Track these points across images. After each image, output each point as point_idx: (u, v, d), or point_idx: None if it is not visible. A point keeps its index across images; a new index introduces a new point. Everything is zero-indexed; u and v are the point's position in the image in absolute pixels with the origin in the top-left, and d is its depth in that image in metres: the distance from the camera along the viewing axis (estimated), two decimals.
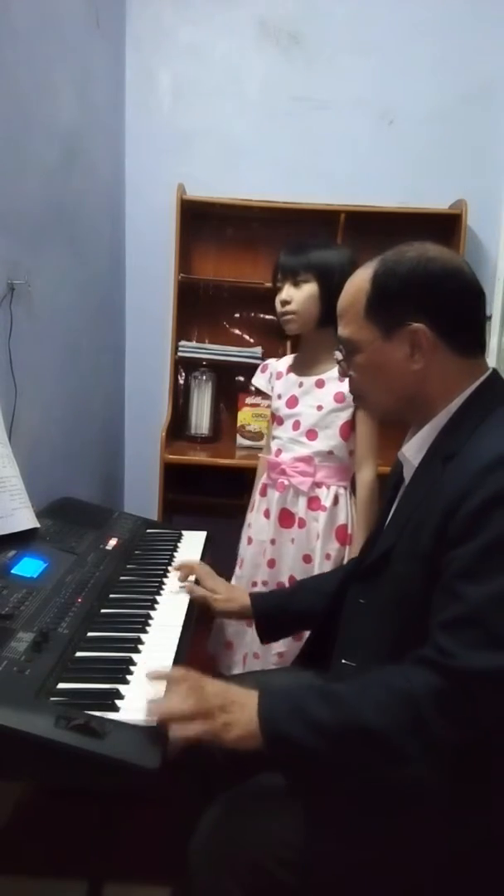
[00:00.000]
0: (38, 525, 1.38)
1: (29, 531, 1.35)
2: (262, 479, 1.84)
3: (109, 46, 2.37)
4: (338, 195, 2.47)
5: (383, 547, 1.06)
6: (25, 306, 1.64)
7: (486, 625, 0.83)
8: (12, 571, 1.20)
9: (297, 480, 1.72)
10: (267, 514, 1.79)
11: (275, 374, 1.86)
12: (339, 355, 1.09)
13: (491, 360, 2.44)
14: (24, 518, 1.35)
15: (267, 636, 1.39)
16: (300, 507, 1.73)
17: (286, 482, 1.74)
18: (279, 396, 1.81)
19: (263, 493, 1.81)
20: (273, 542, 1.75)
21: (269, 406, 2.60)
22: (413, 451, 1.05)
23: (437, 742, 0.84)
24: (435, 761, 0.85)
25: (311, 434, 1.73)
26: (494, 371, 1.03)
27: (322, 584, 1.34)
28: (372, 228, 2.29)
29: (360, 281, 1.02)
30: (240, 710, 0.90)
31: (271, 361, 1.92)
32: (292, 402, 1.77)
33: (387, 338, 1.00)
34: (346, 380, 1.11)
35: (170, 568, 1.42)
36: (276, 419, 1.81)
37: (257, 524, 1.81)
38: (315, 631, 1.32)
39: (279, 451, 1.78)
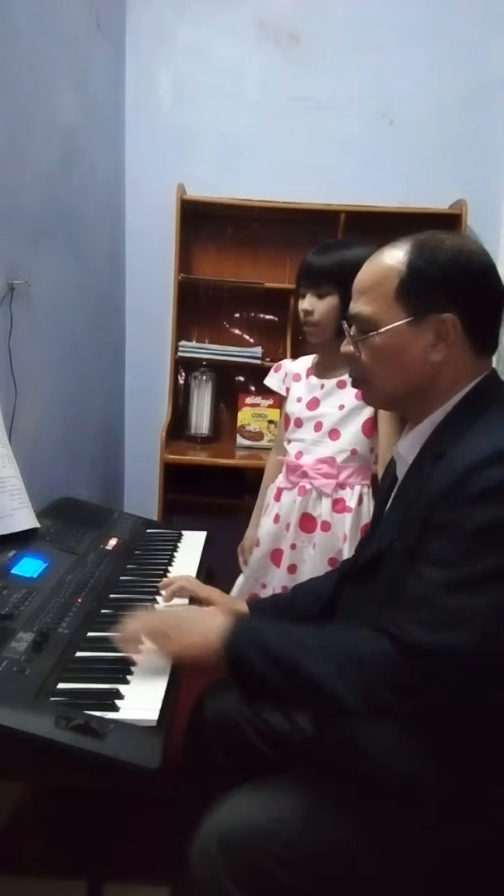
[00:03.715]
0: (38, 525, 1.38)
1: (29, 531, 1.35)
2: (276, 483, 1.80)
3: (109, 46, 2.37)
4: (338, 195, 2.47)
5: (376, 547, 1.06)
6: (25, 306, 1.64)
7: (440, 606, 0.87)
8: (12, 571, 1.20)
9: (321, 483, 1.70)
10: (277, 518, 1.77)
11: (291, 376, 1.84)
12: (351, 334, 1.04)
13: (493, 361, 2.43)
14: (24, 518, 1.35)
15: None
16: (324, 510, 1.70)
17: (308, 485, 1.72)
18: (299, 399, 1.78)
19: (278, 498, 1.78)
20: (293, 546, 1.73)
21: (269, 406, 2.63)
22: (407, 448, 1.04)
23: (373, 700, 0.89)
24: (369, 715, 0.93)
25: (334, 434, 1.72)
26: (493, 371, 1.02)
27: (318, 586, 1.34)
28: (372, 228, 2.28)
29: (391, 260, 0.99)
30: (195, 626, 1.01)
31: (286, 362, 1.90)
32: (313, 404, 1.75)
33: (414, 323, 0.97)
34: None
35: (170, 568, 1.42)
36: (295, 421, 1.78)
37: (265, 527, 1.79)
38: None
39: (300, 454, 1.75)
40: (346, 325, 1.05)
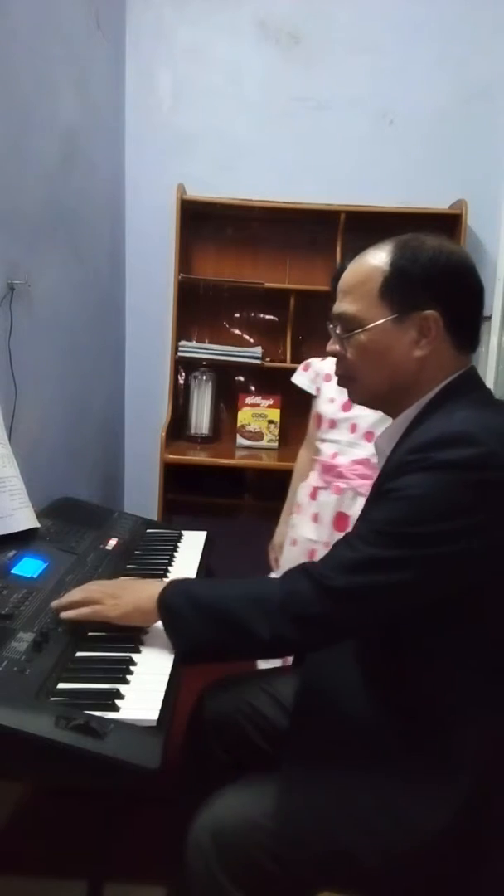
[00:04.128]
0: (38, 525, 1.38)
1: (29, 531, 1.35)
2: (309, 482, 1.81)
3: (109, 46, 2.37)
4: (338, 195, 2.47)
5: None
6: (25, 306, 1.64)
7: (360, 552, 0.94)
8: (12, 571, 1.20)
9: (357, 483, 1.71)
10: (316, 518, 1.77)
11: (322, 376, 1.84)
12: (337, 333, 1.06)
13: (491, 360, 2.44)
14: (24, 518, 1.35)
15: None
16: (358, 509, 1.71)
17: (343, 485, 1.73)
18: (331, 400, 1.79)
19: (314, 497, 1.79)
20: (327, 545, 1.74)
21: (269, 406, 2.63)
22: (385, 442, 1.07)
23: (278, 632, 0.95)
24: (280, 649, 1.07)
25: (370, 436, 1.72)
26: (471, 368, 1.04)
27: None
28: (372, 228, 2.27)
29: (374, 260, 1.02)
30: (130, 594, 1.08)
31: (314, 361, 1.89)
32: (347, 405, 1.75)
33: (398, 320, 1.00)
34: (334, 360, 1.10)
35: (170, 568, 1.42)
36: (328, 422, 1.79)
37: (304, 526, 1.80)
38: None
39: (335, 455, 1.76)
40: (330, 325, 1.08)
